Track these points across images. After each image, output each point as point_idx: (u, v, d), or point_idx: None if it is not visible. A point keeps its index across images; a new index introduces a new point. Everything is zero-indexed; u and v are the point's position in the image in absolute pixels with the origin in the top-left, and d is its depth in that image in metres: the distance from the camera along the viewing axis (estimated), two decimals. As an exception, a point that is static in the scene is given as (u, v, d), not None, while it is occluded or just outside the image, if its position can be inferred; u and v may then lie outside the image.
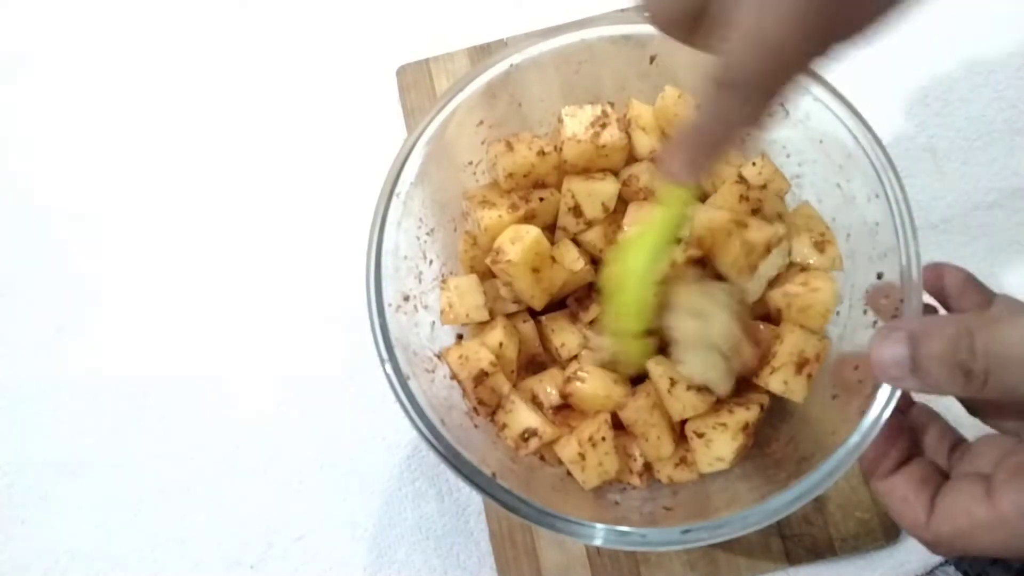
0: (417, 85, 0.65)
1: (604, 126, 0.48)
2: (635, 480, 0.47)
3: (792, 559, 0.52)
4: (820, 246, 0.47)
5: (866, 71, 0.62)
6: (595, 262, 0.49)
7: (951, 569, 0.53)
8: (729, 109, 0.33)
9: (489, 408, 0.47)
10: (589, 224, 0.49)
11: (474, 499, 0.57)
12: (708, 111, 0.34)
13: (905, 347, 0.34)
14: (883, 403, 0.38)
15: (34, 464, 0.60)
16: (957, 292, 0.40)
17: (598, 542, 0.39)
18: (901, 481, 0.38)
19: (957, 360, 0.33)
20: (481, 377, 0.46)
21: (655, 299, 0.43)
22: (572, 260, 0.48)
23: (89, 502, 0.59)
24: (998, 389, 0.33)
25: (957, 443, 0.40)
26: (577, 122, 0.48)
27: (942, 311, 0.41)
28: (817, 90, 0.44)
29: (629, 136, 0.50)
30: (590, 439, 0.45)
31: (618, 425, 0.47)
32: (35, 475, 0.60)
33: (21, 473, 0.60)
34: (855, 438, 0.38)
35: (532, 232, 0.46)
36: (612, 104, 0.49)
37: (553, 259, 0.48)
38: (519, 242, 0.46)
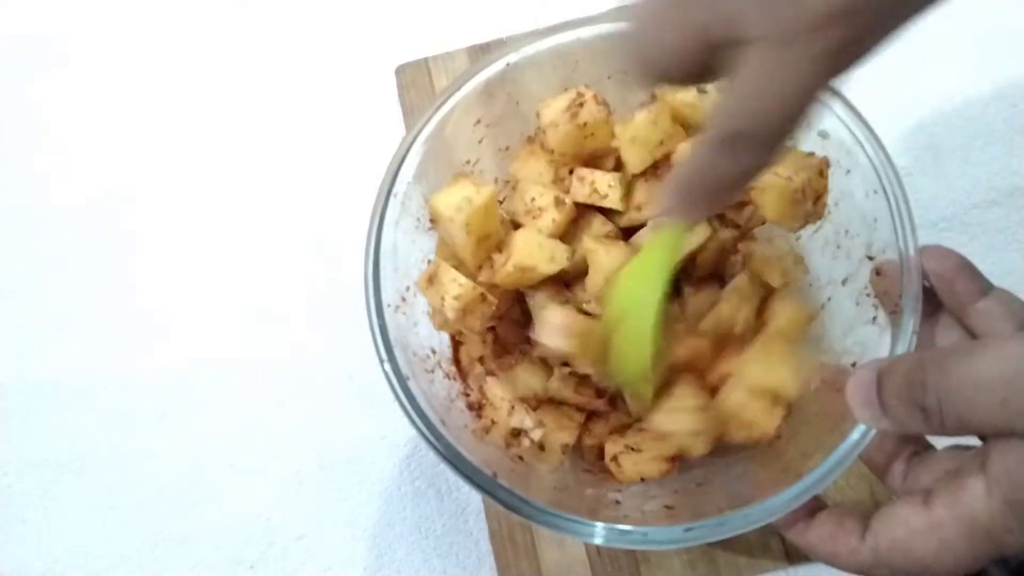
0: (416, 84, 0.65)
1: (581, 105, 0.46)
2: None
3: (792, 558, 0.52)
4: None
5: (866, 70, 0.62)
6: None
7: (950, 568, 0.53)
8: (732, 160, 0.30)
9: (466, 374, 0.47)
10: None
11: (474, 499, 0.57)
12: (710, 160, 0.31)
13: (873, 389, 0.34)
14: None
15: (34, 464, 0.60)
16: (950, 278, 0.40)
17: (599, 541, 0.39)
18: (820, 521, 0.38)
19: (912, 397, 0.33)
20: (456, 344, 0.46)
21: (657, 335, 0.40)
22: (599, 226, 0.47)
23: (89, 502, 0.59)
24: (955, 425, 0.32)
25: (919, 449, 0.40)
26: (553, 109, 0.47)
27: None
28: None
29: (609, 110, 0.48)
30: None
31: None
32: (35, 475, 0.60)
33: (21, 473, 0.60)
34: (855, 435, 0.38)
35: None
36: (587, 86, 0.47)
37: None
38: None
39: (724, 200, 0.35)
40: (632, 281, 0.40)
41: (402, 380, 0.42)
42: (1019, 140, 0.61)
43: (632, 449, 0.44)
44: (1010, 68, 0.62)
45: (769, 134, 0.29)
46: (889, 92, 0.62)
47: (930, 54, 0.63)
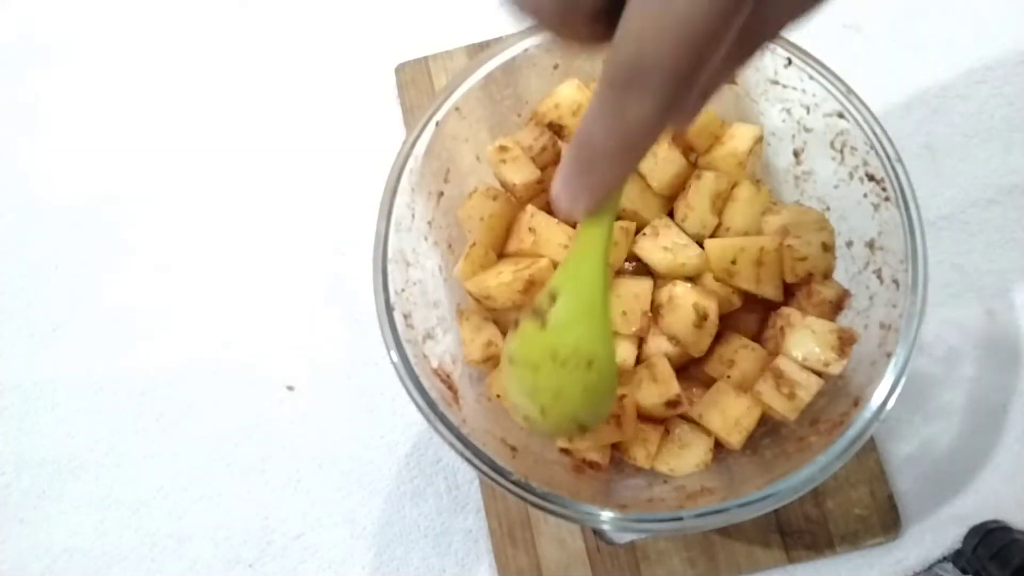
0: (416, 83, 0.65)
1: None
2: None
3: (792, 556, 0.52)
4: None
5: (864, 68, 0.62)
6: None
7: (949, 566, 0.53)
8: (631, 110, 0.24)
9: None
10: None
11: (473, 497, 0.57)
12: (602, 118, 0.25)
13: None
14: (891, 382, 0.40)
15: (32, 463, 0.60)
16: None
17: (608, 526, 0.40)
18: None
19: None
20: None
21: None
22: None
23: (87, 501, 0.59)
24: None
25: None
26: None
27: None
28: (801, 62, 0.46)
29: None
30: None
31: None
32: (33, 474, 0.60)
33: (19, 472, 0.60)
34: (860, 422, 0.39)
35: None
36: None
37: None
38: None
39: (628, 169, 0.27)
40: (577, 284, 0.33)
41: (415, 379, 0.42)
42: (1017, 138, 0.61)
43: None
44: (1008, 65, 0.62)
45: (671, 69, 0.23)
46: (886, 90, 0.62)
47: (927, 51, 0.63)
